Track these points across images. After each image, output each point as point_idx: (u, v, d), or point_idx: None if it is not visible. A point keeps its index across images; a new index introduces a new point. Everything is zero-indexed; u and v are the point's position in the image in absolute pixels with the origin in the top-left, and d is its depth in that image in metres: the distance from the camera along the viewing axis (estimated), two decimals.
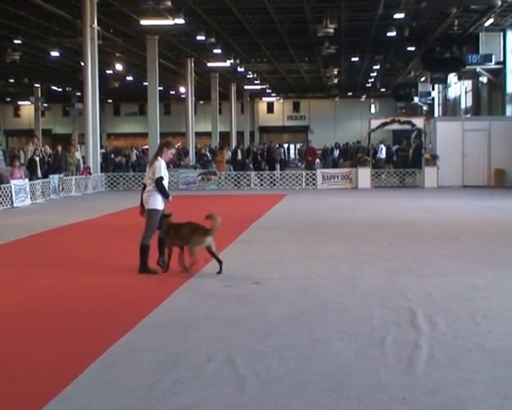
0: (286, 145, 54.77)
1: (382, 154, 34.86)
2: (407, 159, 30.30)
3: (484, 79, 37.62)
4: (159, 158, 9.55)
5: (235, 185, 28.29)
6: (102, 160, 30.71)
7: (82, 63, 28.04)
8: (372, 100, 66.92)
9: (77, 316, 7.11)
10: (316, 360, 5.50)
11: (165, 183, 9.50)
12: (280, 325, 6.56)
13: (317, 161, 38.52)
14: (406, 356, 5.56)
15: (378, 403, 4.59)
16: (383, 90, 60.47)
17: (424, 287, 8.25)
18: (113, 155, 35.28)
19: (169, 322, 6.74)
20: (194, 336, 6.27)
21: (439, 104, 55.12)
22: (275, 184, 28.53)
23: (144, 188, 9.65)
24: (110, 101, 66.07)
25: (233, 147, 40.05)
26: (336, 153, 42.93)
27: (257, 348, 5.83)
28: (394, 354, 5.62)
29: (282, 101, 70.21)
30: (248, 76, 49.07)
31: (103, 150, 34.64)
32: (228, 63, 40.15)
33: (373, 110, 66.16)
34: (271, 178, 29.14)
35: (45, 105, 56.81)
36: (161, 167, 9.45)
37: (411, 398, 4.68)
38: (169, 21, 27.96)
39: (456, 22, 32.29)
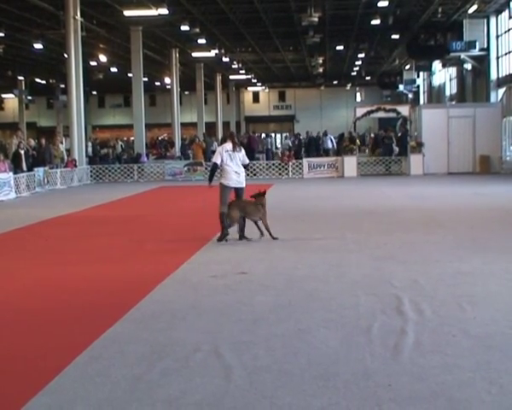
0: (273, 134, 54.73)
1: (329, 144, 35.02)
2: (391, 146, 30.47)
3: (468, 66, 37.76)
4: (223, 145, 11.72)
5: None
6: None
7: (65, 55, 27.81)
8: (357, 88, 67.06)
9: (62, 309, 7.07)
10: (302, 349, 5.50)
11: (228, 164, 11.55)
12: (267, 315, 6.55)
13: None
14: (392, 343, 5.58)
15: (364, 390, 4.60)
16: (368, 78, 60.57)
17: (410, 274, 8.28)
18: (90, 149, 35.01)
19: (155, 313, 6.72)
20: (181, 327, 6.25)
21: (424, 92, 55.28)
22: (255, 174, 28.13)
23: (214, 167, 11.98)
24: (95, 93, 65.65)
25: (219, 137, 39.82)
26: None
27: (244, 338, 5.82)
28: (380, 342, 5.63)
29: (267, 90, 70.11)
30: (233, 66, 48.90)
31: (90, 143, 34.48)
32: (212, 53, 39.99)
33: (358, 98, 66.32)
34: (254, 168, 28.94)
35: (29, 98, 56.32)
36: (220, 153, 11.46)
37: (397, 385, 4.69)
38: (152, 12, 27.79)
39: (439, 9, 32.38)
